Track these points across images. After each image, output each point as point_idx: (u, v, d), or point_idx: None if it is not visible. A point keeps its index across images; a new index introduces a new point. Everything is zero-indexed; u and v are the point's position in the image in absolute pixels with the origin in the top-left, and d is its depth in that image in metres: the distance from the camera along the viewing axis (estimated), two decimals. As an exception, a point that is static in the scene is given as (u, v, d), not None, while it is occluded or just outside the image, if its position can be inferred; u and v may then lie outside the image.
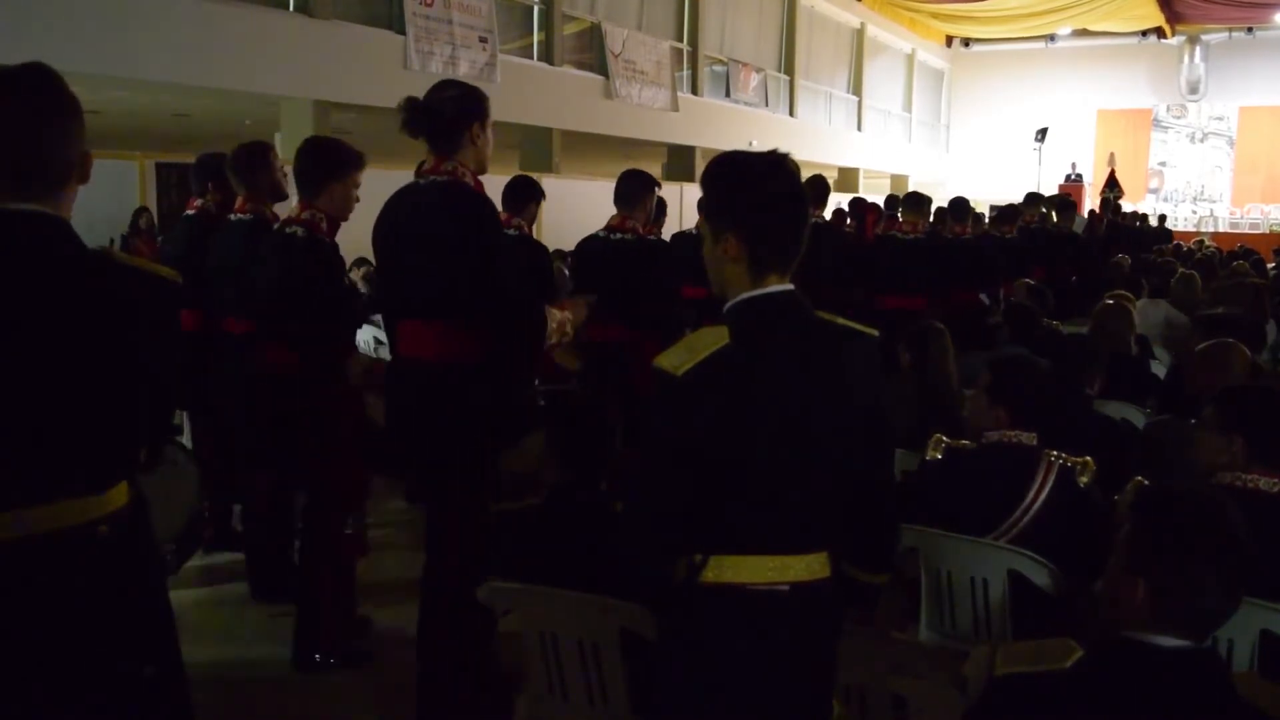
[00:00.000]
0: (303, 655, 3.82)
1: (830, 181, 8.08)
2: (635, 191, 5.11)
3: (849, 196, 11.78)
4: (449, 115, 3.26)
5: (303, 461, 3.83)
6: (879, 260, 7.56)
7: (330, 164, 3.76)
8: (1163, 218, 20.07)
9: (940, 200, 9.22)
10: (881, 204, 10.58)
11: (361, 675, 3.85)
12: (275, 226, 3.99)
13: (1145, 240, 14.78)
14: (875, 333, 2.03)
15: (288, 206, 4.09)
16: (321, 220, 3.73)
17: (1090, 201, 20.27)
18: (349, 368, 3.79)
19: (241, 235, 4.30)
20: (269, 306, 3.78)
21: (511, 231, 4.98)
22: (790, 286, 1.93)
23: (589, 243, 5.23)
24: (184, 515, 2.98)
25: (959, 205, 8.32)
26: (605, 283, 4.86)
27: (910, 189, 24.39)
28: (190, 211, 4.87)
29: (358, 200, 3.87)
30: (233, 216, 4.43)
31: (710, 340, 1.85)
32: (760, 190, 1.91)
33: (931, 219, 8.18)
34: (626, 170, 5.30)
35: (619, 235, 5.02)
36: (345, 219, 3.84)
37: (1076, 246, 10.47)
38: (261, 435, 4.08)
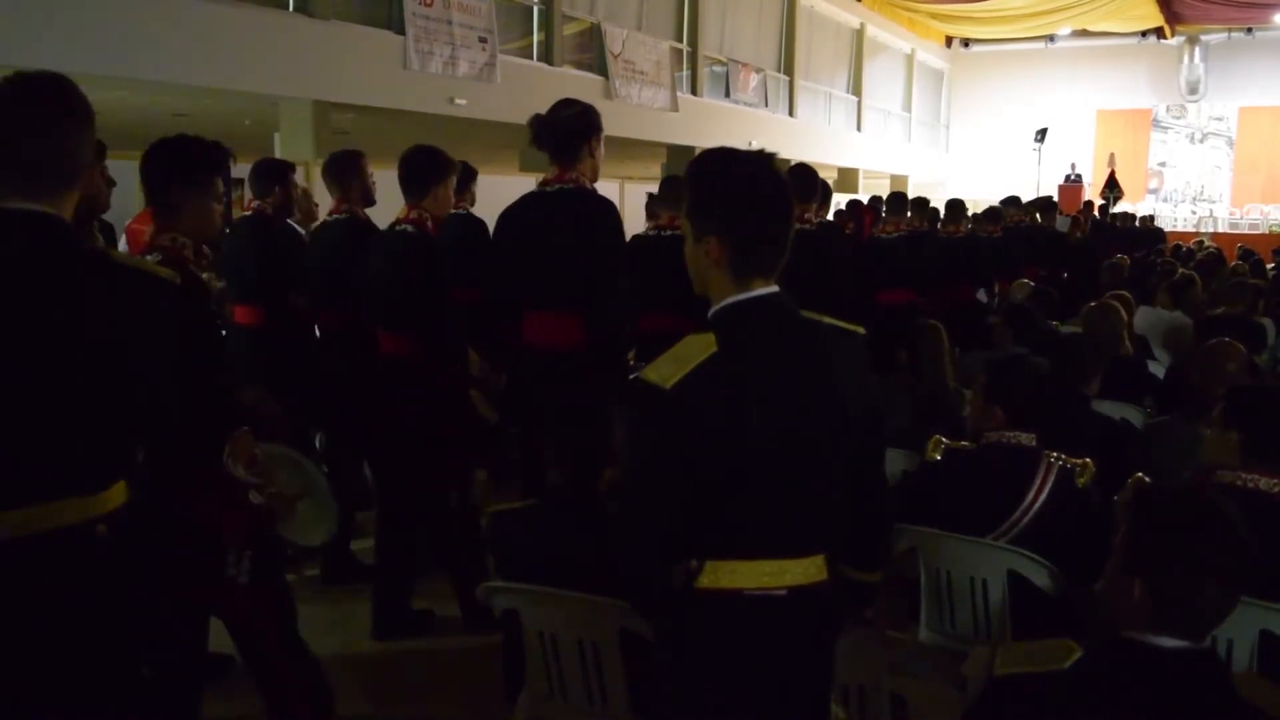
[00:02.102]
0: (384, 625, 4.08)
1: (830, 181, 8.18)
2: (680, 193, 5.48)
3: (847, 197, 11.83)
4: (572, 131, 3.74)
5: (415, 444, 4.02)
6: (869, 259, 7.68)
7: (435, 168, 4.10)
8: (1150, 218, 20.00)
9: (937, 200, 9.37)
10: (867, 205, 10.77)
11: (415, 662, 3.98)
12: (389, 226, 4.26)
13: (1137, 240, 14.81)
14: (862, 331, 2.01)
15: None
16: (428, 219, 4.06)
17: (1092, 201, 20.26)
18: (471, 363, 4.23)
19: (341, 236, 4.56)
20: (388, 300, 4.06)
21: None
22: (775, 289, 1.91)
23: (641, 239, 5.70)
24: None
25: (954, 206, 8.96)
26: (660, 274, 5.28)
27: (910, 189, 24.43)
28: (247, 212, 5.01)
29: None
30: (330, 217, 4.70)
31: (697, 350, 1.83)
32: (744, 192, 1.88)
33: (928, 219, 8.65)
34: (668, 176, 5.92)
35: (670, 231, 5.41)
36: (444, 217, 4.25)
37: (1067, 247, 10.66)
38: (380, 420, 4.23)
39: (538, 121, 3.75)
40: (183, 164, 2.87)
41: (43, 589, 1.87)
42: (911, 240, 7.82)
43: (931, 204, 9.31)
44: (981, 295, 8.40)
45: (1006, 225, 9.82)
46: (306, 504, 3.01)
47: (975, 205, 11.35)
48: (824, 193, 6.81)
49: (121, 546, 1.95)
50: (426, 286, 3.98)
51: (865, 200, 11.30)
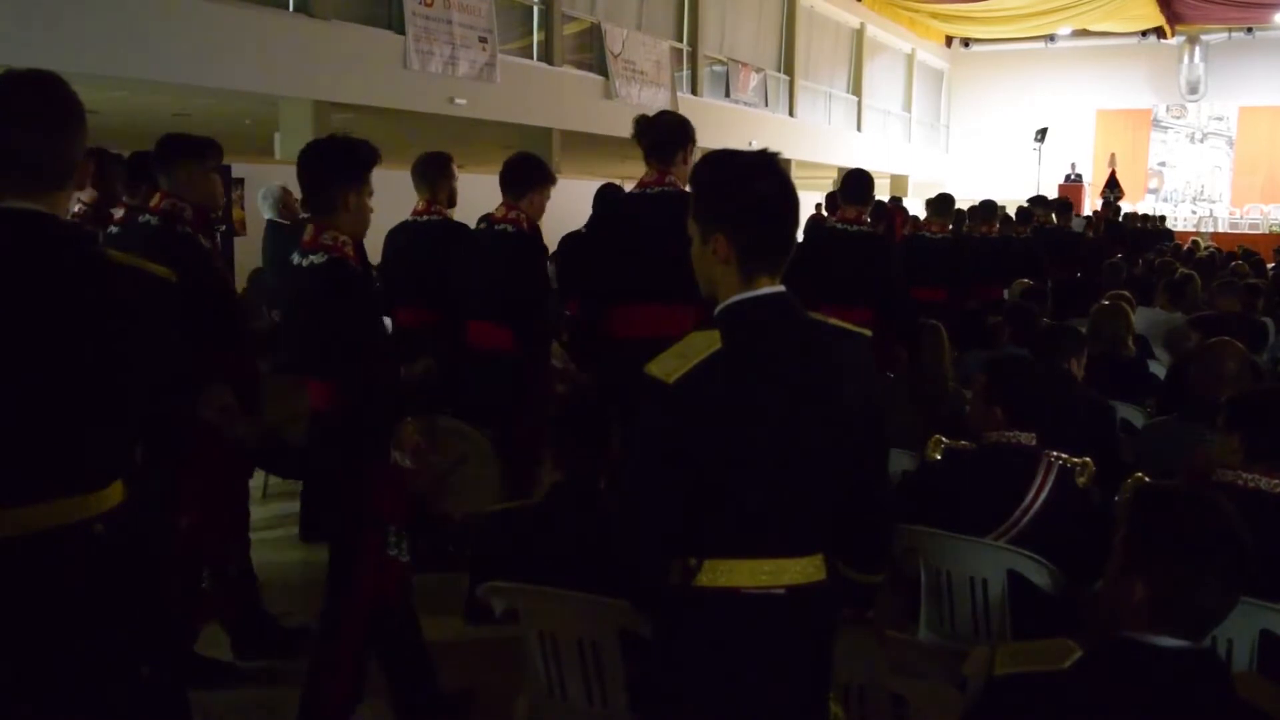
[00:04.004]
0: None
1: (830, 181, 8.26)
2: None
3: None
4: (673, 135, 3.96)
5: (508, 431, 4.24)
6: (909, 258, 7.74)
7: (535, 174, 4.45)
8: (1162, 218, 20.07)
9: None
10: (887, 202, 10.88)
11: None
12: (484, 226, 4.60)
13: (1146, 240, 14.86)
14: (868, 333, 2.01)
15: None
16: (524, 219, 4.38)
17: (1090, 201, 20.28)
18: (554, 355, 4.62)
19: (438, 237, 4.75)
20: (490, 295, 4.35)
21: None
22: (782, 288, 1.91)
23: None
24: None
25: (987, 207, 9.02)
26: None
27: (910, 189, 24.38)
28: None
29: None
30: (420, 218, 4.82)
31: (702, 346, 1.83)
32: (749, 190, 1.89)
33: (953, 219, 8.70)
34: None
35: None
36: (537, 219, 4.54)
37: (1084, 246, 10.78)
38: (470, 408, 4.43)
39: (643, 120, 4.00)
40: (342, 164, 2.99)
41: (40, 588, 1.87)
42: (955, 241, 8.02)
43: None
44: (1008, 292, 8.52)
45: (1035, 226, 10.00)
46: (471, 470, 3.24)
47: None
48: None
49: (119, 546, 1.95)
50: (528, 282, 4.35)
51: (887, 201, 11.49)
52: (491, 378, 4.36)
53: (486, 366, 4.38)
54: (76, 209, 4.46)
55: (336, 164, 3.00)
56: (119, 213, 4.10)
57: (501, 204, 4.47)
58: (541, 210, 4.51)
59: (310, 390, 3.07)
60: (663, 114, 4.12)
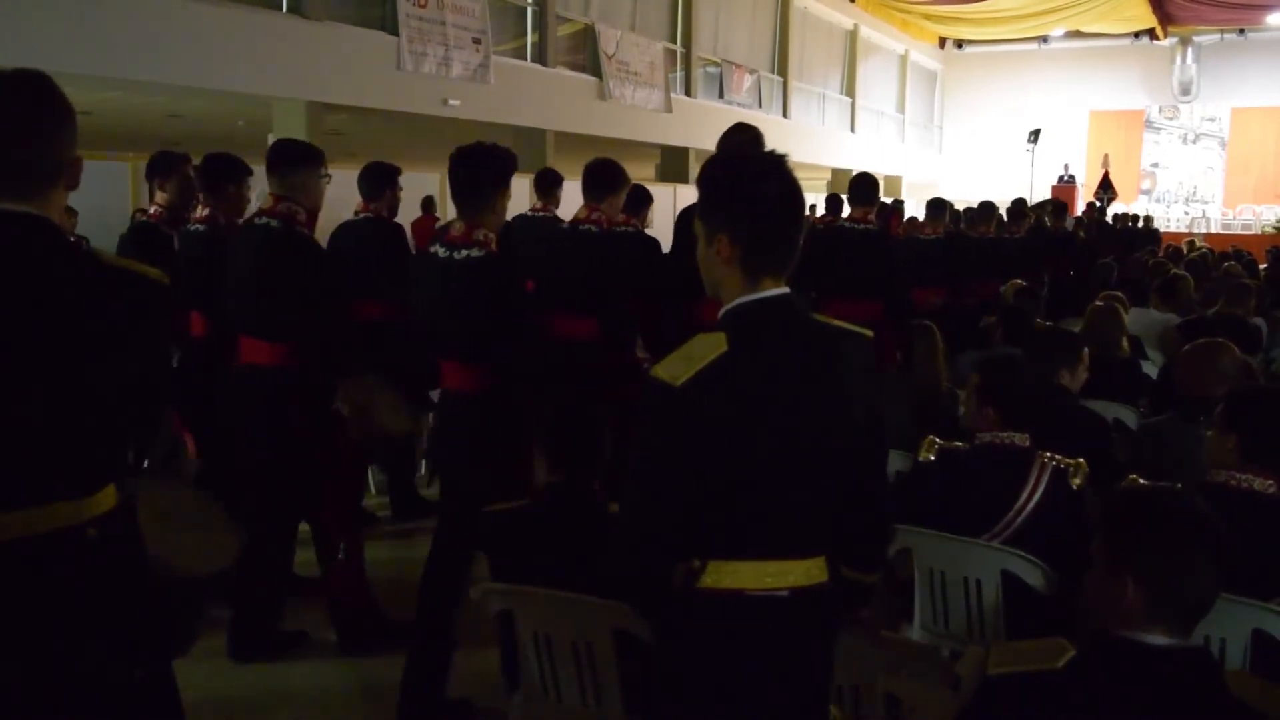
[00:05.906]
0: None
1: (824, 182, 8.33)
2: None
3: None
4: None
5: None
6: (907, 259, 7.84)
7: (613, 179, 5.04)
8: (1148, 219, 20.12)
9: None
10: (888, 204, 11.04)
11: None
12: (568, 224, 5.18)
13: (1134, 241, 14.96)
14: (869, 333, 2.01)
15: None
16: (605, 220, 5.00)
17: (1083, 202, 20.33)
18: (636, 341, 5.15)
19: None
20: (576, 288, 4.87)
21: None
22: (786, 290, 1.90)
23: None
24: None
25: (986, 208, 9.35)
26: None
27: (904, 190, 24.40)
28: (367, 214, 5.35)
29: None
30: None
31: (707, 349, 1.82)
32: (753, 191, 1.88)
33: (951, 220, 8.97)
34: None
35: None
36: (615, 220, 5.12)
37: (1076, 246, 10.92)
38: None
39: (722, 138, 4.13)
40: (496, 169, 3.33)
41: (34, 592, 1.86)
42: (950, 242, 8.21)
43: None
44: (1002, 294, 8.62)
45: (1030, 226, 10.23)
46: None
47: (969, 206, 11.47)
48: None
49: (112, 550, 1.94)
50: (615, 276, 4.85)
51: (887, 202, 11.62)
52: (582, 365, 4.69)
53: (575, 355, 4.70)
54: (153, 211, 4.55)
55: (491, 169, 3.33)
56: (195, 212, 4.47)
57: (584, 205, 5.01)
58: (618, 211, 5.07)
59: (448, 372, 3.37)
60: (742, 132, 4.11)
